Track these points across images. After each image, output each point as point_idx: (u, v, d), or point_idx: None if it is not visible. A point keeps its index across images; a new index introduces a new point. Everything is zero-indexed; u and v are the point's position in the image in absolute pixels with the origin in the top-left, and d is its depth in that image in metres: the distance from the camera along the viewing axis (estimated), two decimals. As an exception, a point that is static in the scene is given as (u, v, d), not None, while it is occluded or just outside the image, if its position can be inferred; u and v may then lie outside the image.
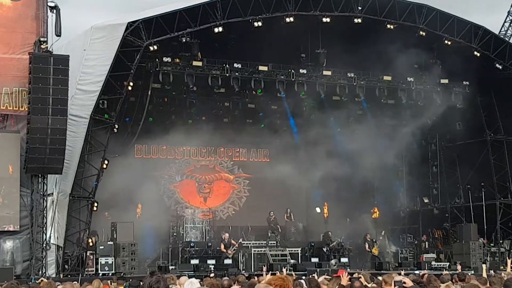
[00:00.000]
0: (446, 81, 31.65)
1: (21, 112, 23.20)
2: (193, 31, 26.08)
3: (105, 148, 25.42)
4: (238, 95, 31.55)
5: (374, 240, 31.24)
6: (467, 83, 31.77)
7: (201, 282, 12.20)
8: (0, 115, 23.40)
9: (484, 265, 15.39)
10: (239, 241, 28.93)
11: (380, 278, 11.82)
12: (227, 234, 28.99)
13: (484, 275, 13.97)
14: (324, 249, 30.45)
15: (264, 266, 24.74)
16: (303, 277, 14.31)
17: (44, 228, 23.60)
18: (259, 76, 29.39)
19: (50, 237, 23.94)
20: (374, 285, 11.20)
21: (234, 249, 28.30)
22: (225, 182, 35.05)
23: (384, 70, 30.69)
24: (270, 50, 28.74)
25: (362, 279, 11.05)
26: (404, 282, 9.48)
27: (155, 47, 25.52)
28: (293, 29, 27.32)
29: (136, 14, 26.09)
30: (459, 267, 19.90)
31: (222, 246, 28.36)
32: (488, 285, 11.02)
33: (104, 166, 25.54)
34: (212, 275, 21.67)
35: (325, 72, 29.97)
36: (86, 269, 24.85)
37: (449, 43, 29.13)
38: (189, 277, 12.71)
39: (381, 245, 31.49)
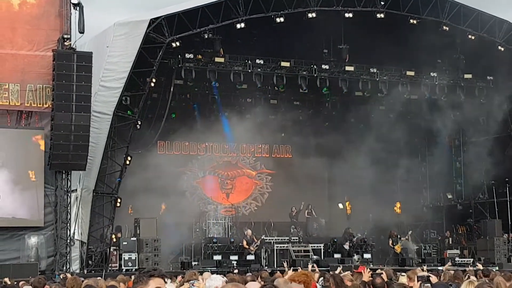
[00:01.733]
0: (469, 76, 31.41)
1: (45, 109, 23.40)
2: (215, 27, 26.11)
3: (128, 144, 25.55)
4: (260, 91, 31.52)
5: (399, 236, 31.04)
6: (491, 78, 31.50)
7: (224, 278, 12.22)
8: (24, 112, 23.62)
9: None
10: (262, 237, 28.91)
11: (403, 274, 11.78)
12: (249, 231, 29.00)
13: None
14: (345, 246, 30.31)
15: (285, 262, 24.67)
16: (326, 273, 14.29)
17: (68, 224, 23.80)
18: (281, 72, 29.36)
19: (74, 233, 24.15)
20: (404, 280, 11.13)
21: (256, 246, 28.31)
22: (248, 178, 35.07)
23: (407, 65, 30.52)
24: (292, 46, 28.70)
25: (384, 275, 11.02)
26: (429, 276, 9.42)
27: (178, 44, 25.58)
28: (315, 25, 27.23)
29: (158, 10, 26.17)
30: (479, 265, 19.73)
31: (245, 243, 28.37)
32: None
33: (127, 162, 25.67)
34: (235, 271, 21.71)
35: (347, 68, 29.85)
36: (110, 265, 25.00)
37: (473, 37, 28.87)
38: (212, 273, 12.75)
39: (404, 244, 31.22)
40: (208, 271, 14.66)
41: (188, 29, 25.48)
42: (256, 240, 28.35)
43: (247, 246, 28.25)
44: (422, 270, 13.32)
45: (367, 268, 11.21)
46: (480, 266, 19.09)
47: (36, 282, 11.74)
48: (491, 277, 12.16)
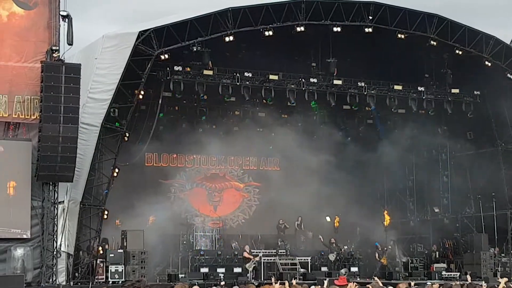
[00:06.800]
0: (457, 90, 31.58)
1: (32, 120, 23.32)
2: (204, 40, 26.15)
3: (115, 156, 25.50)
4: (249, 103, 31.58)
5: (385, 248, 31.15)
6: (478, 92, 31.70)
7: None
8: (11, 123, 23.52)
9: (503, 279, 15.17)
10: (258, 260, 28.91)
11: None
12: (247, 246, 29.25)
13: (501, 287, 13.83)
14: (331, 257, 30.35)
15: (273, 276, 24.67)
16: (312, 286, 14.33)
17: (55, 236, 23.69)
18: (270, 85, 29.42)
19: (60, 245, 24.02)
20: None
21: (254, 263, 28.36)
22: (235, 190, 35.06)
23: (394, 79, 30.68)
24: (281, 59, 28.78)
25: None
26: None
27: (166, 56, 25.60)
28: (304, 38, 27.35)
29: (147, 23, 26.21)
30: (469, 277, 19.77)
31: (248, 250, 28.42)
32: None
33: (115, 174, 25.62)
34: (222, 283, 21.69)
35: (335, 81, 29.94)
36: (96, 277, 24.89)
37: (460, 52, 29.06)
38: (199, 285, 12.73)
39: (390, 255, 31.33)
40: (195, 284, 14.64)
41: (176, 41, 25.51)
42: (256, 259, 28.47)
43: (249, 256, 28.24)
44: (410, 284, 13.37)
45: (352, 282, 11.23)
46: (469, 279, 19.10)
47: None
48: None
